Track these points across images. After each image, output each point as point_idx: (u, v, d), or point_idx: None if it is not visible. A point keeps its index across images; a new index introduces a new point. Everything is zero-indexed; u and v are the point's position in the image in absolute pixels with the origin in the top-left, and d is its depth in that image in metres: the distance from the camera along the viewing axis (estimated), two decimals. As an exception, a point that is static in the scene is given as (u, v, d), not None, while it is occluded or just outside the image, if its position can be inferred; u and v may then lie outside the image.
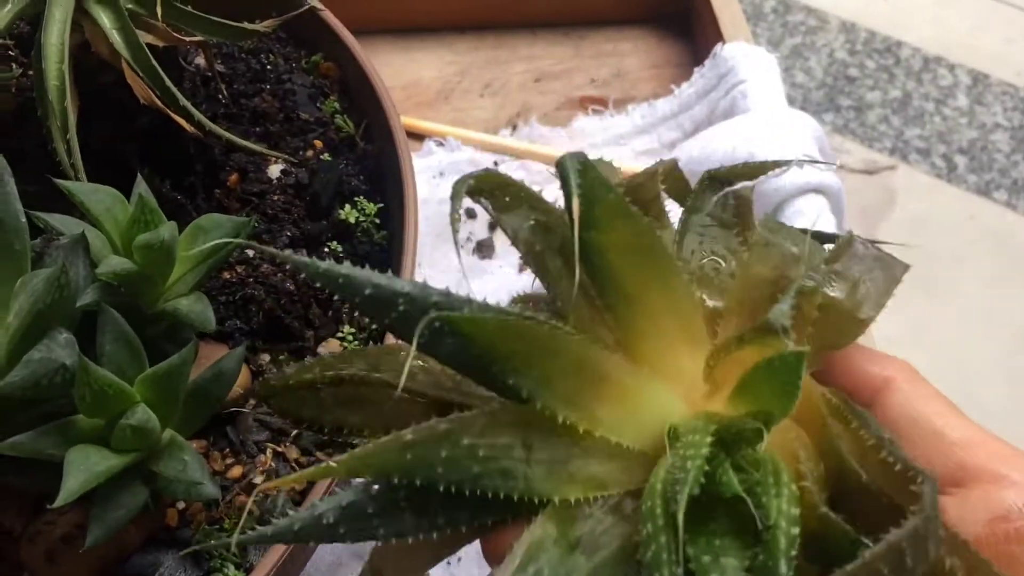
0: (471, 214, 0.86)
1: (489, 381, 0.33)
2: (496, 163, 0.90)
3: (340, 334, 0.54)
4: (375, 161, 0.61)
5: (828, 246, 0.39)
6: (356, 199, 0.59)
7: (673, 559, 0.30)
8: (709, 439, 0.31)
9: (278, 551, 0.44)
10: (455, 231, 0.36)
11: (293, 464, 0.51)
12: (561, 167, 0.34)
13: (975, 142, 1.89)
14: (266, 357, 0.54)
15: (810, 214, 0.77)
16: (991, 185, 1.82)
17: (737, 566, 0.29)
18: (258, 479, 0.50)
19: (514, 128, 0.94)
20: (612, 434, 0.33)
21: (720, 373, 0.35)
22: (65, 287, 0.41)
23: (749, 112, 0.84)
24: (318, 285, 0.36)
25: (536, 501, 0.32)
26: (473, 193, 0.37)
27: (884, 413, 0.35)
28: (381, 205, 0.59)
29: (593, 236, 0.35)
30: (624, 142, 0.91)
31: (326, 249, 0.57)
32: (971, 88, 1.95)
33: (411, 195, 0.55)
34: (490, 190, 0.37)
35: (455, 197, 0.36)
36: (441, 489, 0.31)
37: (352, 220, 0.58)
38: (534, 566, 0.31)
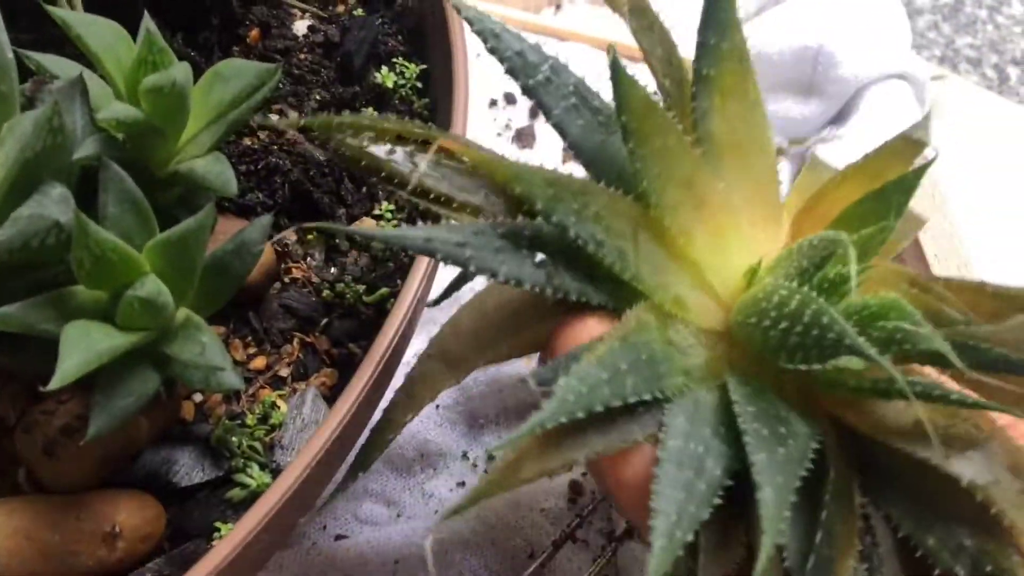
0: (510, 99, 0.79)
1: (604, 170, 0.36)
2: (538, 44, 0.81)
3: (376, 212, 0.47)
4: (416, 18, 0.53)
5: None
6: (394, 60, 0.52)
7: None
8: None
9: (310, 452, 0.38)
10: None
11: (324, 356, 0.45)
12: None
13: (1032, 51, 1.78)
14: (292, 236, 0.47)
15: (892, 102, 0.69)
16: (1047, 97, 1.72)
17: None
18: (284, 371, 0.45)
19: (558, 7, 0.85)
20: (701, 258, 0.34)
21: (809, 228, 0.35)
22: (59, 132, 0.34)
23: (822, -9, 0.75)
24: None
25: (639, 289, 0.33)
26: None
27: None
28: (423, 67, 0.51)
29: (712, 74, 0.35)
30: (686, 24, 0.82)
31: (360, 117, 0.50)
32: (1031, -7, 1.84)
33: (460, 55, 0.48)
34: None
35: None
36: (557, 244, 0.32)
37: (390, 84, 0.50)
38: (645, 335, 0.32)
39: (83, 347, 0.32)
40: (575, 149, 0.35)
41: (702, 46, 0.35)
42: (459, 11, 0.37)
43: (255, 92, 0.39)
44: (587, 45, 0.81)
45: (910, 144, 0.34)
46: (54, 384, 0.30)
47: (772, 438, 0.28)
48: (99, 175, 0.35)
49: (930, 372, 0.31)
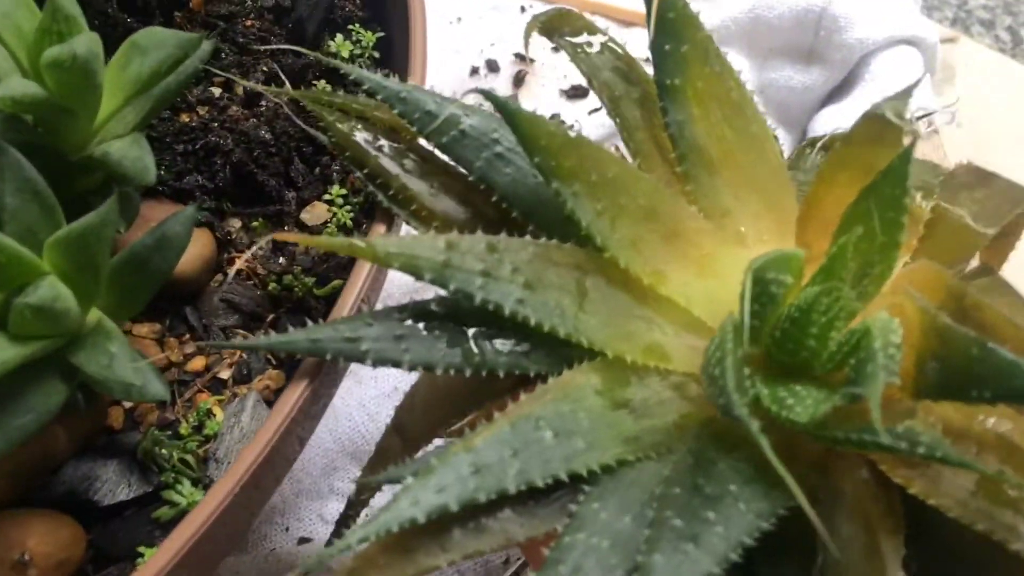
0: (493, 67, 0.74)
1: (545, 217, 0.31)
2: (523, 8, 0.77)
3: (328, 196, 0.43)
4: (375, -20, 0.49)
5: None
6: (351, 27, 0.47)
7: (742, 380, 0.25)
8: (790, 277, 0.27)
9: (242, 466, 0.34)
10: (526, 42, 0.36)
11: (269, 356, 0.41)
12: None
13: (1048, 13, 1.72)
14: (236, 223, 0.43)
15: (900, 69, 0.64)
16: (1063, 61, 1.66)
17: (821, 398, 0.25)
18: (225, 373, 0.41)
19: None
20: (681, 297, 0.30)
21: (813, 238, 0.30)
22: (-60, 114, 0.30)
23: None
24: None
25: (585, 347, 0.28)
26: (550, 31, 0.36)
27: None
28: (381, 35, 0.47)
29: (678, 84, 0.31)
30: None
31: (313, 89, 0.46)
32: (1048, -49, 1.77)
33: (419, 20, 0.43)
34: (572, 31, 0.36)
35: (527, 31, 0.36)
36: (478, 316, 0.28)
37: (345, 54, 0.46)
38: (568, 405, 0.27)
39: (-35, 362, 0.28)
40: (508, 201, 0.31)
41: (658, 54, 0.31)
42: (359, 83, 0.34)
43: (178, 64, 0.35)
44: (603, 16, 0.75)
45: (886, 124, 0.28)
46: (-71, 406, 0.27)
47: (684, 529, 0.23)
48: (-5, 162, 0.31)
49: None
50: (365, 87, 0.34)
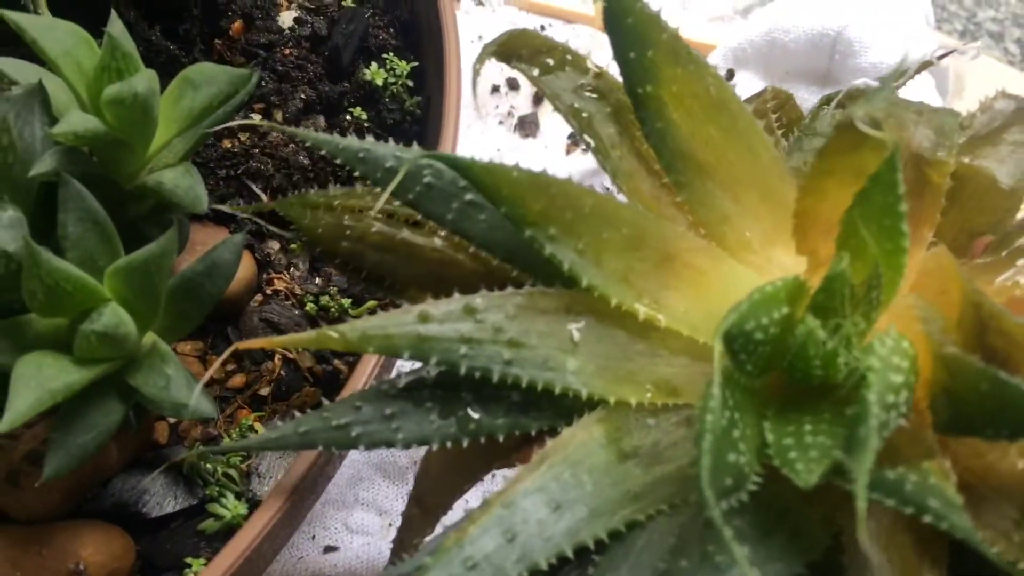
0: (513, 85, 0.76)
1: (528, 260, 0.29)
2: (543, 27, 0.78)
3: (363, 220, 0.45)
4: (409, 10, 0.50)
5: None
6: (385, 56, 0.49)
7: (741, 432, 0.23)
8: (785, 294, 0.25)
9: (289, 480, 0.36)
10: (475, 76, 0.33)
11: (306, 374, 0.43)
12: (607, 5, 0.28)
13: (1057, 27, 1.73)
14: (275, 244, 0.45)
15: (913, 92, 0.65)
16: (1072, 75, 1.67)
17: (830, 445, 0.23)
18: (265, 390, 0.42)
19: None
20: (683, 326, 0.28)
21: (817, 243, 0.28)
22: (9, 150, 0.31)
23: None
24: (337, 161, 0.31)
25: (584, 398, 0.26)
26: (507, 55, 0.34)
27: None
28: (415, 64, 0.48)
29: (651, 91, 0.29)
30: (693, 6, 0.79)
31: (347, 117, 0.47)
32: (1058, -34, 1.78)
33: (452, 50, 0.45)
34: (529, 53, 0.34)
35: (481, 58, 0.33)
36: (468, 382, 0.26)
37: (379, 82, 0.48)
38: (567, 470, 0.25)
39: (35, 385, 0.30)
40: (486, 248, 0.30)
41: (625, 64, 0.29)
42: (306, 142, 0.32)
43: (228, 100, 0.37)
44: (594, 28, 0.77)
45: (857, 133, 0.25)
46: (3, 427, 0.28)
47: (709, 574, 0.23)
48: (58, 192, 0.33)
49: None
50: (322, 151, 0.31)
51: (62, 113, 0.35)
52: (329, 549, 0.55)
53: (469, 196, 0.29)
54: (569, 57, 0.33)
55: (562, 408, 0.27)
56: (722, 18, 0.77)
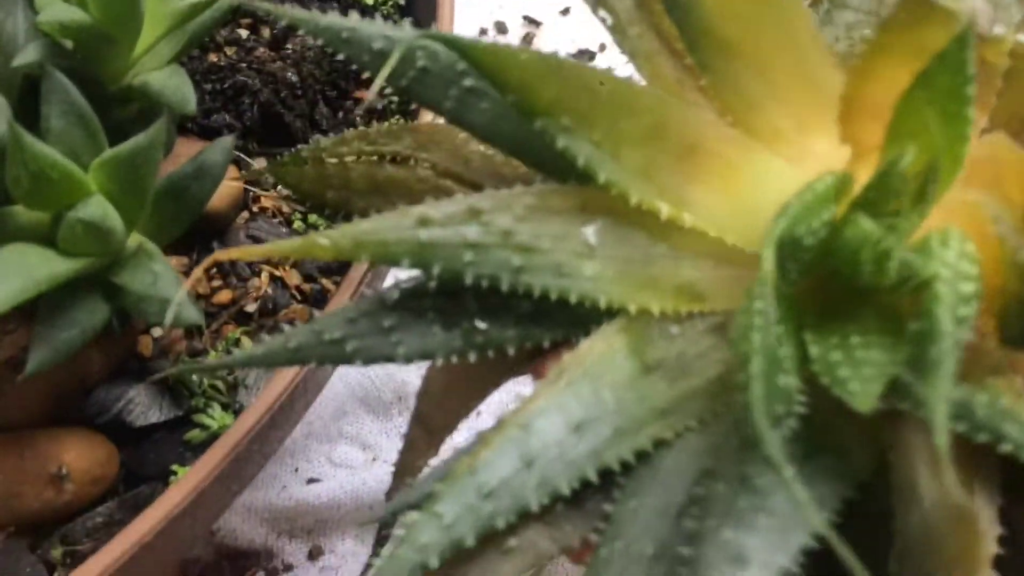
0: (501, 28, 0.75)
1: (538, 155, 0.26)
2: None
3: (352, 138, 0.44)
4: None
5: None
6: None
7: (787, 351, 0.21)
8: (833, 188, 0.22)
9: (273, 392, 0.35)
10: None
11: (294, 291, 0.42)
12: None
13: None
14: (262, 162, 0.44)
15: None
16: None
17: (884, 361, 0.21)
18: (251, 307, 0.42)
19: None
20: (710, 225, 0.25)
21: (862, 131, 0.25)
22: (-8, 34, 0.31)
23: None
24: (328, 50, 0.27)
25: (603, 307, 0.24)
26: None
27: None
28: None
29: None
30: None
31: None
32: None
33: (445, -31, 0.44)
34: None
35: None
36: (474, 290, 0.24)
37: (369, 1, 0.47)
38: (587, 386, 0.23)
39: (20, 272, 0.29)
40: (490, 141, 0.27)
41: None
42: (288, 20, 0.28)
43: (214, 0, 0.36)
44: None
45: (923, 4, 0.22)
46: (-14, 312, 0.28)
47: (732, 544, 0.20)
48: (42, 86, 0.32)
49: None
50: (300, 31, 0.28)
51: (44, 5, 0.34)
52: (312, 481, 0.54)
53: (468, 82, 0.26)
54: None
55: (578, 317, 0.25)
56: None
